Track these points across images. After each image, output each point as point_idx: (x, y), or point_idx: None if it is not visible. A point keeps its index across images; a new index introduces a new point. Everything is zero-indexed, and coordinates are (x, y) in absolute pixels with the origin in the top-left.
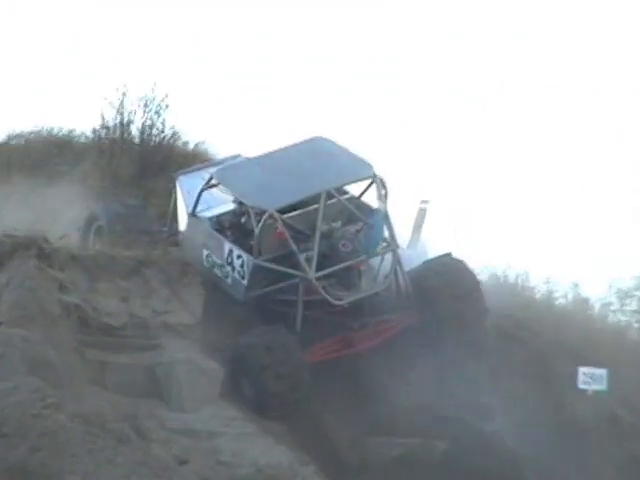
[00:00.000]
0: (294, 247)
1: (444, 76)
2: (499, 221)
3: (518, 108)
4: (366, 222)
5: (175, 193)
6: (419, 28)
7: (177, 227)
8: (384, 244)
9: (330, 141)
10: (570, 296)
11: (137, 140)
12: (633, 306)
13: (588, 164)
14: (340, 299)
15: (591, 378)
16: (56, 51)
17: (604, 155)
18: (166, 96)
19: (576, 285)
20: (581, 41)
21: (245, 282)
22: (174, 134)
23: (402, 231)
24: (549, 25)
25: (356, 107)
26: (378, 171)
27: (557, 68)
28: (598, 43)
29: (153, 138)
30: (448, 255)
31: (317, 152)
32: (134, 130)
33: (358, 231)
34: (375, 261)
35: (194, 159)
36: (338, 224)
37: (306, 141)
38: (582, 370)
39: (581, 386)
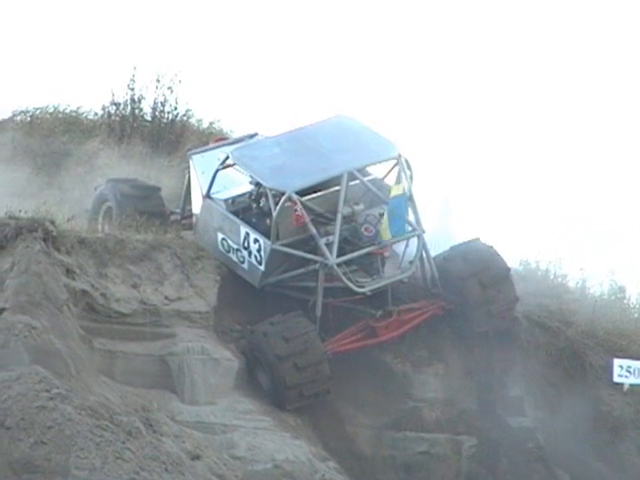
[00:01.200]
0: (314, 231)
1: (452, 73)
2: (531, 206)
3: (546, 97)
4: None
5: (189, 173)
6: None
7: (191, 209)
8: (409, 228)
9: (353, 119)
10: (605, 284)
11: (149, 117)
12: None
13: (626, 151)
14: (362, 286)
15: (627, 371)
16: (64, 27)
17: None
18: (179, 71)
19: (612, 273)
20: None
21: (262, 267)
22: (188, 111)
23: (428, 215)
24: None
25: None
26: (403, 152)
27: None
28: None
29: (166, 115)
30: (477, 240)
31: (339, 131)
32: (146, 107)
33: (382, 215)
34: (400, 246)
35: (208, 138)
36: (361, 207)
37: (328, 119)
38: (618, 362)
39: (616, 379)
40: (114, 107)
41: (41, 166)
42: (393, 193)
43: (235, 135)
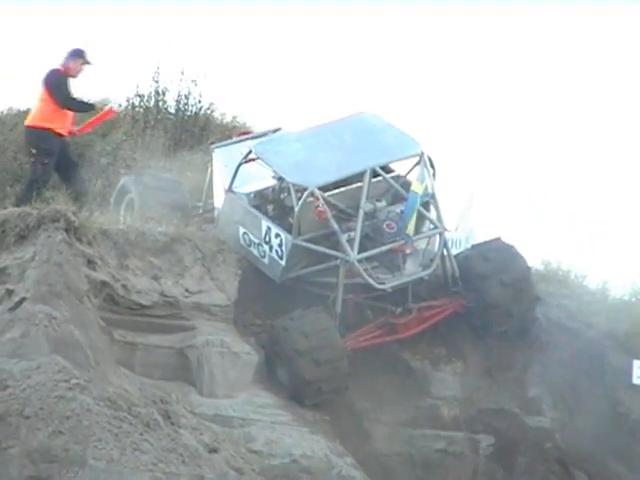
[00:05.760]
0: (336, 227)
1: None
2: (553, 207)
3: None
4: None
5: (211, 167)
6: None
7: (213, 203)
8: (431, 226)
9: (376, 116)
10: (626, 286)
11: (172, 110)
12: None
13: None
14: (383, 283)
15: None
16: (89, 17)
17: None
18: (204, 65)
19: (633, 274)
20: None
21: (283, 262)
22: (211, 105)
23: (450, 213)
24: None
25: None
26: (426, 149)
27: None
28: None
29: (189, 108)
30: (498, 239)
31: (362, 128)
32: (170, 99)
33: (403, 212)
34: (421, 244)
35: (232, 131)
36: (383, 204)
37: (351, 116)
38: (637, 364)
39: (636, 381)
40: (138, 99)
41: None
42: (412, 188)
43: (258, 129)
